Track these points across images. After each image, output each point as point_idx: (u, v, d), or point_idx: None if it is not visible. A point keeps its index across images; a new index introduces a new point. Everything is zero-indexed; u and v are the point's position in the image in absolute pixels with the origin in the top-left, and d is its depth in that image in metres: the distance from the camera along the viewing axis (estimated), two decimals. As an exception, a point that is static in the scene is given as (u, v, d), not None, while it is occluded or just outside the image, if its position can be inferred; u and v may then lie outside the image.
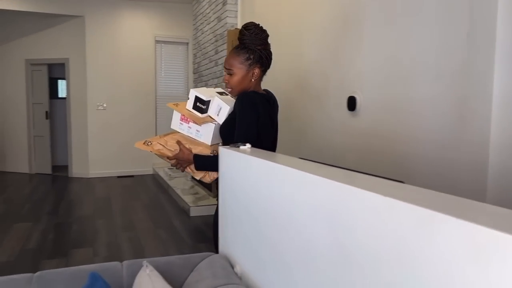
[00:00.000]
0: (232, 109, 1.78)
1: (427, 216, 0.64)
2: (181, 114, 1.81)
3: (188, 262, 1.41)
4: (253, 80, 1.79)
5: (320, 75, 3.06)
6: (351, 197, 0.82)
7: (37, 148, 7.69)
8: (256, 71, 1.78)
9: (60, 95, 8.72)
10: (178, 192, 5.55)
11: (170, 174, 6.79)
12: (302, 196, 1.02)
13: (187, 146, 1.77)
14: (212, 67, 5.21)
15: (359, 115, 2.62)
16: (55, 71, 8.24)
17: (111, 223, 4.51)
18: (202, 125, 1.79)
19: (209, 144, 1.81)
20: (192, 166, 1.78)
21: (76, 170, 7.41)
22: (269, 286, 1.22)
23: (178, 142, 1.78)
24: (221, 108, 1.80)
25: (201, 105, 1.80)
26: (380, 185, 0.83)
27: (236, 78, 1.77)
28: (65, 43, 7.28)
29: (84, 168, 7.35)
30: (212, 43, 5.22)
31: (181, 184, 6.14)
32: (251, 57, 1.76)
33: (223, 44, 4.74)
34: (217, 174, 1.72)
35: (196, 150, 1.78)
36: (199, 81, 5.94)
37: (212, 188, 5.24)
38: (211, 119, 1.82)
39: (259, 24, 1.79)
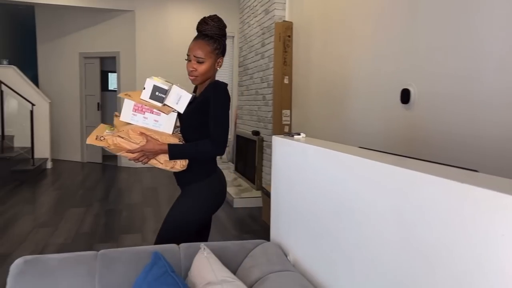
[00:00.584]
0: (192, 97, 1.79)
1: (508, 203, 0.61)
2: (135, 104, 1.72)
3: (242, 248, 1.43)
4: (217, 69, 1.84)
5: (370, 68, 2.99)
6: (423, 184, 0.80)
7: (88, 138, 8.03)
8: (221, 61, 1.83)
9: (110, 88, 9.06)
10: (222, 183, 5.62)
11: (214, 166, 6.89)
12: (365, 185, 1.01)
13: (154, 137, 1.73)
14: (258, 60, 5.23)
15: (413, 108, 2.54)
16: (106, 64, 8.56)
17: (158, 211, 4.65)
18: (162, 115, 1.74)
19: (170, 133, 1.77)
20: (160, 157, 1.74)
21: (125, 159, 7.68)
22: (325, 275, 1.21)
23: (142, 134, 1.70)
24: (181, 96, 1.78)
25: (160, 94, 1.74)
26: (454, 173, 0.80)
27: (204, 67, 1.77)
28: (116, 37, 7.55)
29: (132, 158, 7.60)
30: (258, 36, 5.23)
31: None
32: (218, 47, 1.79)
33: (270, 36, 4.74)
34: (186, 162, 1.76)
35: (164, 140, 1.74)
36: (244, 74, 5.97)
37: (255, 181, 5.27)
38: (171, 108, 1.79)
39: (219, 17, 1.85)
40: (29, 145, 6.84)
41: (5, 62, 6.97)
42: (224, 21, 1.85)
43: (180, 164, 1.76)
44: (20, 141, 6.96)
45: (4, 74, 6.71)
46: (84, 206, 4.78)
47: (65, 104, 8.03)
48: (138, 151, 1.69)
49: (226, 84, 1.80)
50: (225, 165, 7.05)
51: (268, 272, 1.23)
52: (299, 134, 1.58)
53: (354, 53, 3.22)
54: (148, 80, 1.74)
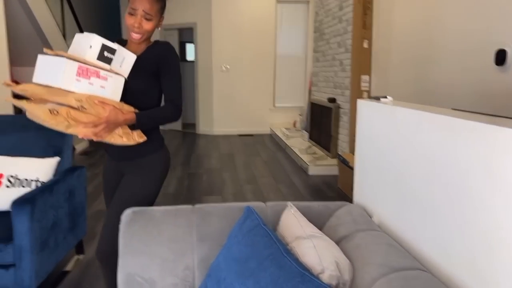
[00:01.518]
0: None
1: None
2: (80, 66, 1.39)
3: (327, 208, 1.47)
4: (159, 29, 1.69)
5: (461, 27, 2.78)
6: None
7: (169, 107, 8.46)
8: (162, 19, 1.68)
9: (188, 58, 9.38)
10: (296, 151, 5.67)
11: (287, 135, 6.94)
12: (459, 146, 0.98)
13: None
14: (336, 24, 5.08)
15: (510, 71, 2.34)
16: (184, 36, 8.84)
17: (236, 176, 4.84)
18: (109, 79, 1.48)
19: (118, 101, 1.52)
20: (118, 130, 1.50)
21: (203, 127, 8.01)
22: (412, 235, 1.21)
23: (103, 103, 1.43)
24: (124, 58, 1.53)
25: (109, 55, 1.47)
26: None
27: (151, 25, 1.60)
28: (193, 8, 7.73)
29: (210, 125, 7.92)
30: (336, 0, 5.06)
31: (298, 144, 6.26)
32: (163, 6, 1.66)
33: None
34: (141, 136, 1.57)
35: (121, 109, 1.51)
36: (320, 40, 5.85)
37: (331, 148, 5.23)
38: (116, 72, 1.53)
39: None
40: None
41: (94, 35, 7.48)
42: None
43: (139, 135, 1.55)
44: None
45: (94, 47, 7.22)
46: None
47: (147, 74, 8.48)
48: (102, 123, 1.40)
49: (172, 46, 1.69)
50: (298, 133, 7.06)
51: (354, 231, 1.25)
52: (385, 97, 1.55)
53: (443, 12, 3.01)
54: (95, 36, 1.43)
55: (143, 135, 1.58)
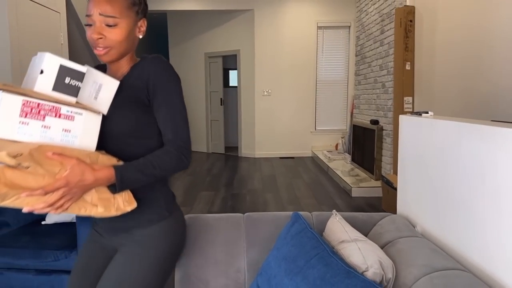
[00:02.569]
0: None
1: None
2: (25, 101, 0.93)
3: (371, 218, 1.53)
4: (140, 36, 1.20)
5: (507, 38, 2.79)
6: None
7: (213, 131, 8.75)
8: (143, 23, 1.21)
9: (231, 84, 9.71)
10: (339, 173, 5.68)
11: (329, 157, 6.96)
12: (499, 155, 1.03)
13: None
14: (377, 47, 5.15)
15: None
16: (228, 62, 9.19)
17: (278, 197, 4.91)
18: (76, 118, 1.02)
19: (94, 149, 1.07)
20: (90, 195, 1.02)
21: (245, 150, 8.19)
22: (455, 243, 1.25)
23: (60, 155, 0.95)
24: (101, 85, 1.09)
25: (74, 82, 1.02)
26: None
27: (120, 31, 1.12)
28: (236, 36, 8.06)
29: (251, 148, 8.08)
30: (377, 23, 5.14)
31: (340, 166, 6.26)
32: (138, 1, 1.17)
33: (390, 23, 4.64)
34: (130, 194, 1.10)
35: (96, 162, 1.04)
36: (361, 63, 5.92)
37: (374, 170, 5.21)
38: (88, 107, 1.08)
39: None
40: (164, 137, 7.72)
41: (144, 64, 7.95)
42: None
43: (127, 201, 1.08)
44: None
45: (144, 74, 7.67)
46: (213, 190, 5.27)
47: (193, 100, 8.84)
48: (59, 188, 0.93)
49: (165, 59, 1.19)
50: (341, 155, 7.06)
51: (397, 237, 1.31)
52: (427, 112, 1.61)
53: (488, 27, 3.02)
54: (46, 56, 0.98)
55: (133, 199, 1.10)
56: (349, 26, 7.61)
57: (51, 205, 0.92)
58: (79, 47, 4.65)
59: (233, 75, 9.62)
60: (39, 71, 0.97)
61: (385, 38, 4.85)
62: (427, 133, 1.47)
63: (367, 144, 5.50)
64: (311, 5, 7.67)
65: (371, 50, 5.41)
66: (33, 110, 0.94)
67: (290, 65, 7.83)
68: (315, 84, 7.90)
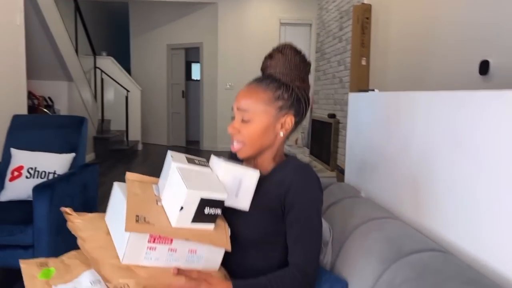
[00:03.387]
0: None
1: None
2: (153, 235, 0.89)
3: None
4: (281, 134, 1.09)
5: (451, 40, 3.01)
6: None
7: (174, 123, 8.72)
8: (289, 120, 1.08)
9: (193, 77, 9.70)
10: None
11: (289, 151, 7.13)
12: (429, 120, 1.17)
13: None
14: (336, 43, 5.35)
15: (492, 80, 2.54)
16: (190, 55, 9.17)
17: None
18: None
19: (217, 269, 0.99)
20: None
21: (207, 144, 8.22)
22: (393, 203, 1.38)
23: (181, 272, 0.90)
24: (241, 180, 1.01)
25: (213, 210, 0.94)
26: None
27: (254, 127, 1.05)
28: (200, 28, 8.07)
29: (214, 141, 8.12)
30: (336, 20, 5.34)
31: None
32: (285, 96, 1.07)
33: (348, 20, 4.84)
34: None
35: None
36: (321, 59, 6.12)
37: (330, 162, 5.41)
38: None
39: (300, 51, 1.12)
40: (123, 128, 7.62)
41: (104, 53, 7.81)
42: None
43: None
44: (116, 125, 7.76)
45: (103, 64, 7.53)
46: (173, 179, 5.28)
47: (154, 92, 8.76)
48: None
49: (312, 171, 1.09)
50: (300, 150, 7.24)
51: (342, 198, 1.43)
52: (373, 90, 1.75)
53: (434, 26, 3.24)
54: (187, 192, 0.90)
55: None
56: (311, 24, 7.82)
57: None
58: (35, 29, 4.53)
59: (195, 68, 9.61)
60: (178, 207, 0.91)
61: (343, 35, 5.05)
62: (372, 107, 1.60)
63: (325, 137, 5.69)
64: (274, 1, 7.81)
65: (330, 46, 5.61)
66: (159, 239, 0.90)
67: (253, 59, 7.92)
68: (277, 79, 8.05)
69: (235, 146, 1.08)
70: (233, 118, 1.10)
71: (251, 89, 1.08)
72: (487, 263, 0.91)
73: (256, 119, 1.05)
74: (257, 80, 1.10)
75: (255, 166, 1.10)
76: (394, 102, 1.41)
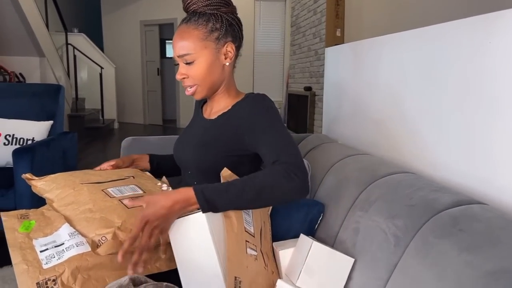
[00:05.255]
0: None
1: None
2: None
3: (298, 137, 1.72)
4: (227, 64, 1.11)
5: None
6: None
7: (150, 102, 8.63)
8: (230, 48, 1.09)
9: (167, 55, 9.57)
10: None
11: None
12: (395, 61, 1.24)
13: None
14: (311, 16, 5.39)
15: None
16: (164, 32, 9.02)
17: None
18: None
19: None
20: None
21: (183, 121, 8.19)
22: (367, 147, 1.47)
23: (132, 200, 0.94)
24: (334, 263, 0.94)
25: None
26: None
27: (200, 66, 1.06)
28: (173, 3, 7.92)
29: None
30: (311, -7, 5.37)
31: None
32: (217, 25, 1.06)
33: (322, -8, 4.88)
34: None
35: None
36: (296, 33, 6.16)
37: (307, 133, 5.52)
38: None
39: None
40: (98, 107, 7.49)
41: (75, 30, 7.59)
42: None
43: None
44: (90, 103, 7.62)
45: (75, 40, 7.33)
46: (151, 154, 5.28)
47: (128, 69, 8.61)
48: (141, 227, 0.84)
49: (262, 97, 1.09)
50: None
51: (319, 144, 1.50)
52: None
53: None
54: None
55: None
56: (285, 0, 7.81)
57: (144, 247, 0.84)
58: (4, 1, 4.39)
59: (169, 46, 9.48)
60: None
61: (317, 7, 5.10)
62: (347, 57, 1.67)
63: (301, 111, 5.78)
64: (250, -24, 7.75)
65: (306, 19, 5.65)
66: None
67: (228, 36, 7.89)
68: (253, 56, 8.05)
69: (189, 91, 1.10)
70: (175, 64, 1.10)
71: (183, 31, 1.06)
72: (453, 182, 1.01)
73: (199, 58, 1.05)
74: (185, 21, 1.09)
75: (213, 105, 1.15)
76: (360, 50, 1.48)
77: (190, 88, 1.09)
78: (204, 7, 1.06)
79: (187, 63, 1.06)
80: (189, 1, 1.08)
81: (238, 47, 1.12)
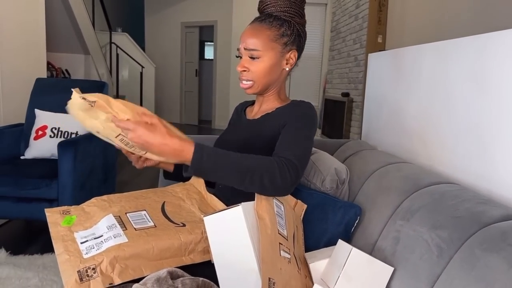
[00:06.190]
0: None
1: None
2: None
3: (338, 142, 1.70)
4: (286, 69, 1.16)
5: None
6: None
7: (187, 102, 8.78)
8: (293, 55, 1.15)
9: (206, 57, 9.71)
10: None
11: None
12: (450, 67, 1.20)
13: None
14: (352, 22, 5.32)
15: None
16: (204, 34, 9.17)
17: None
18: None
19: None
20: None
21: (218, 123, 8.28)
22: (407, 155, 1.43)
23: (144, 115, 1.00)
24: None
25: None
26: None
27: (264, 64, 1.11)
28: (214, 6, 8.05)
29: (226, 121, 8.16)
30: (353, -2, 5.31)
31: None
32: (288, 32, 1.12)
33: (365, -3, 4.82)
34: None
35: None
36: (336, 38, 6.10)
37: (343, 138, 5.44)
38: None
39: None
40: (137, 104, 7.69)
41: (119, 29, 7.85)
42: None
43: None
44: (130, 101, 7.78)
45: (118, 39, 7.58)
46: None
47: (167, 70, 8.81)
48: (126, 127, 0.92)
49: (310, 103, 1.14)
50: (312, 130, 7.28)
51: (359, 150, 1.48)
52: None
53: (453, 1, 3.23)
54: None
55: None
56: (326, 4, 7.76)
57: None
58: (54, 1, 4.59)
59: (208, 48, 9.62)
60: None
61: (359, 13, 5.03)
62: (390, 64, 1.63)
63: (337, 117, 5.71)
64: (290, -20, 7.75)
65: (346, 25, 5.58)
66: None
67: (267, 40, 7.92)
68: (290, 60, 8.04)
69: (245, 84, 1.14)
70: (238, 56, 1.16)
71: (256, 28, 1.11)
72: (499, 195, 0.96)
73: (264, 57, 1.10)
74: (259, 19, 1.13)
75: (261, 104, 1.21)
76: (403, 57, 1.44)
77: (247, 82, 1.14)
78: (281, 12, 1.12)
79: (251, 57, 1.11)
80: (268, 2, 1.13)
81: (298, 57, 1.18)
